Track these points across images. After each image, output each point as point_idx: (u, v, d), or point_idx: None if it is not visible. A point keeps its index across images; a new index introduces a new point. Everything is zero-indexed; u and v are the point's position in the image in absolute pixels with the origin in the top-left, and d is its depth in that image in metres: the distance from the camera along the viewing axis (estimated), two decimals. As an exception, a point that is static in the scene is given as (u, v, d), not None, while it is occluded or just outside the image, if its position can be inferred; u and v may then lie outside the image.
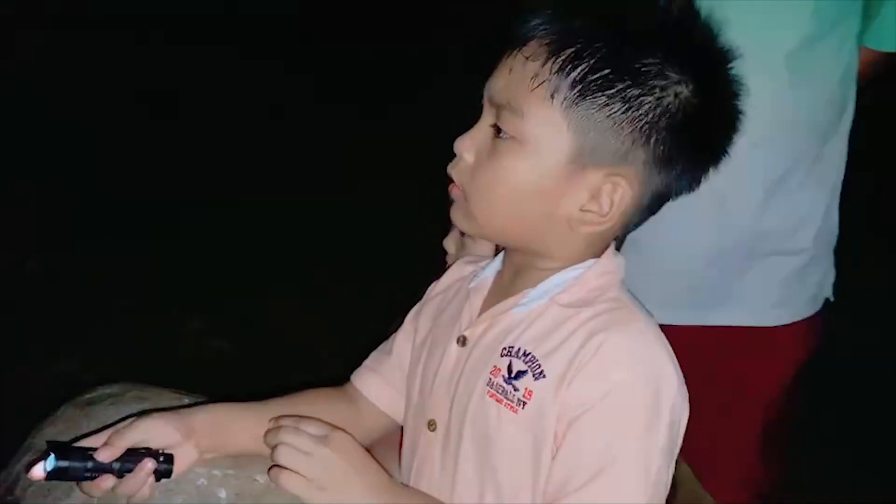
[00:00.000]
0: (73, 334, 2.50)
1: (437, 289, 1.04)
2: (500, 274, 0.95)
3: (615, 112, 0.79)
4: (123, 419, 0.87)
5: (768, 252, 1.33)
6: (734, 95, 0.85)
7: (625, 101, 0.79)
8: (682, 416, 0.83)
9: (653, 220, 0.91)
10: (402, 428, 1.03)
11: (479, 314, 0.92)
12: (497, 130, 0.83)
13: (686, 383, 0.84)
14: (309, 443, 0.81)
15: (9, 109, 3.79)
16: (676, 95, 0.80)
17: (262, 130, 3.88)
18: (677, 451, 0.83)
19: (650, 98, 0.79)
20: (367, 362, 1.06)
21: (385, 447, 1.19)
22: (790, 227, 1.33)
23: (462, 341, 0.91)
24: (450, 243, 1.30)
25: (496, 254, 0.99)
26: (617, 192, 0.82)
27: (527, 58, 0.80)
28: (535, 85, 0.79)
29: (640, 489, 0.78)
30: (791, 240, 1.33)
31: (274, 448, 0.82)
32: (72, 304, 2.67)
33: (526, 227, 0.86)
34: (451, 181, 0.87)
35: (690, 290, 1.36)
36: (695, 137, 0.83)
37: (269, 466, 0.83)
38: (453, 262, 1.08)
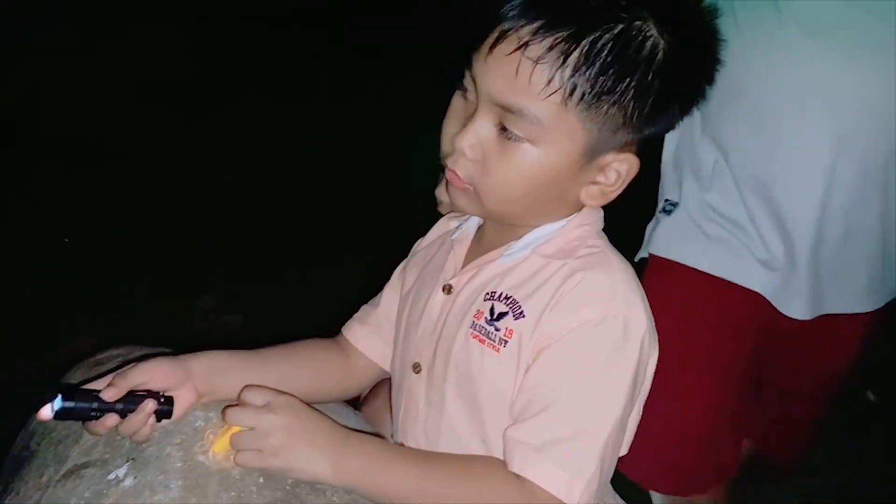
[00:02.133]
0: (88, 312, 2.57)
1: (422, 244, 1.09)
2: (481, 228, 0.99)
3: (627, 105, 0.81)
4: (126, 363, 0.92)
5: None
6: (711, 44, 0.87)
7: (636, 92, 0.80)
8: (650, 353, 0.87)
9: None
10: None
11: (464, 265, 0.96)
12: (505, 131, 0.82)
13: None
14: (251, 415, 0.82)
15: (35, 97, 3.86)
16: (666, 57, 0.80)
17: (275, 113, 3.91)
18: (643, 389, 0.87)
19: (657, 82, 0.80)
20: (356, 315, 1.10)
21: (381, 396, 1.24)
22: None
23: (448, 289, 0.95)
24: (442, 192, 1.35)
25: None
26: (624, 166, 0.86)
27: (535, 61, 0.78)
28: (551, 92, 0.79)
29: (600, 422, 0.81)
30: None
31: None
32: (87, 283, 2.74)
33: (536, 210, 0.89)
34: (450, 170, 0.87)
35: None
36: (685, 98, 0.86)
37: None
38: (445, 212, 1.12)
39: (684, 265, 1.39)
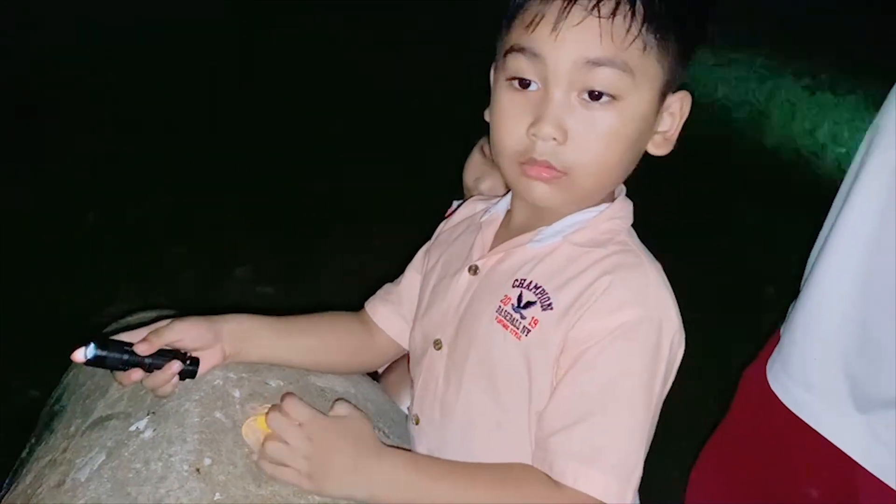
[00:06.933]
0: (128, 280, 2.65)
1: (448, 226, 1.09)
2: (509, 212, 0.98)
3: (687, 41, 0.84)
4: (161, 318, 0.94)
5: None
6: None
7: (694, 26, 0.84)
8: (678, 352, 0.86)
9: None
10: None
11: (491, 247, 0.96)
12: (591, 95, 0.82)
13: None
14: (288, 431, 0.82)
15: (70, 77, 3.95)
16: None
17: (313, 91, 3.94)
18: (671, 382, 0.87)
19: (700, 12, 0.84)
20: (378, 293, 1.11)
21: (398, 370, 1.26)
22: None
23: (474, 270, 0.95)
24: (469, 173, 1.36)
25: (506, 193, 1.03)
26: (684, 104, 0.89)
27: (611, 16, 0.79)
28: (632, 39, 0.80)
29: (640, 423, 0.81)
30: None
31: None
32: (127, 252, 2.82)
33: (622, 175, 0.89)
34: (537, 167, 0.85)
35: None
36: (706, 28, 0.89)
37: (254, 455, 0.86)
38: (470, 195, 1.12)
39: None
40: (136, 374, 0.88)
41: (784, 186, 3.35)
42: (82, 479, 0.86)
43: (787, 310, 1.09)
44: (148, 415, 0.90)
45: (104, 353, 0.86)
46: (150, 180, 3.23)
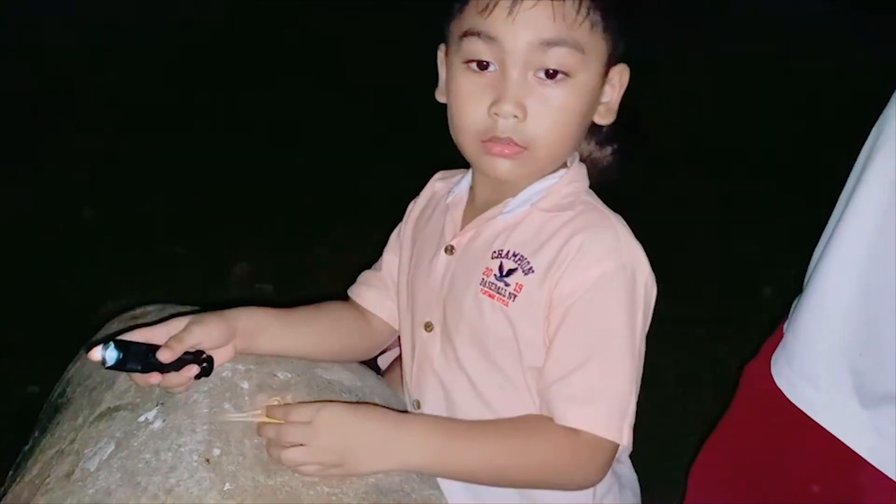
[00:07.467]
0: (126, 276, 2.65)
1: (416, 207, 1.11)
2: (472, 188, 1.02)
3: (627, 16, 0.90)
4: (177, 315, 0.95)
5: None
6: None
7: (633, 4, 0.91)
8: (652, 293, 0.93)
9: None
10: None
11: (462, 226, 1.00)
12: (546, 73, 0.87)
13: None
14: (302, 434, 0.84)
15: (67, 70, 3.95)
16: None
17: (312, 90, 3.95)
18: (649, 320, 0.93)
19: None
20: (360, 279, 1.14)
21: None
22: None
23: (450, 250, 0.99)
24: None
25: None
26: (624, 75, 0.95)
27: None
28: (582, 19, 0.86)
29: (628, 363, 0.89)
30: None
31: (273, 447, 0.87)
32: (126, 249, 2.82)
33: (574, 145, 0.96)
34: (500, 145, 0.90)
35: None
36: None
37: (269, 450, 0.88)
38: None
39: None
40: (155, 377, 0.89)
41: (783, 185, 3.37)
42: (92, 469, 0.87)
43: (789, 307, 1.10)
44: (157, 405, 0.91)
45: (124, 362, 0.85)
46: (148, 178, 3.23)
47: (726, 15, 5.37)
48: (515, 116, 0.87)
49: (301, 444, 0.84)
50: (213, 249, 2.87)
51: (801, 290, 1.07)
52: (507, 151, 0.90)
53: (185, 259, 2.82)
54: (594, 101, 0.93)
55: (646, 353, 0.94)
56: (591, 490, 0.94)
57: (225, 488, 0.82)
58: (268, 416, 0.89)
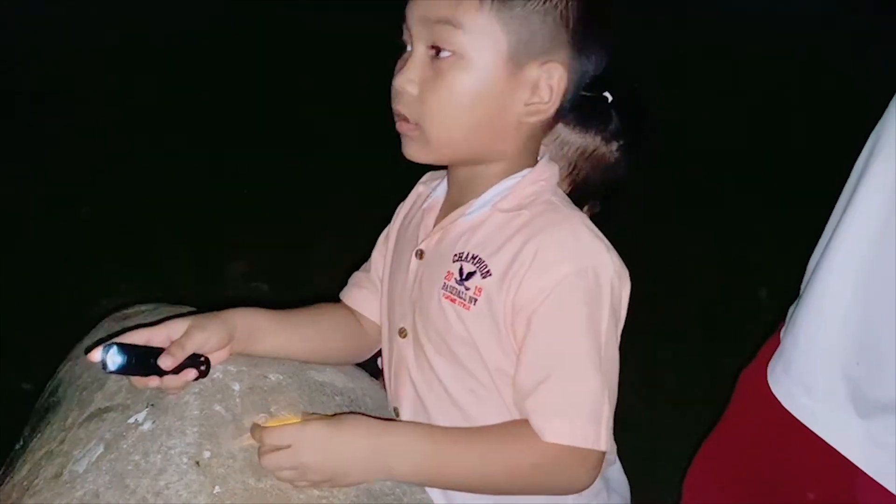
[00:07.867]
0: (122, 274, 2.64)
1: (402, 209, 1.11)
2: (447, 192, 1.01)
3: (538, 4, 0.86)
4: (177, 316, 0.94)
5: None
6: None
7: None
8: (622, 289, 0.90)
9: None
10: None
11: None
12: (436, 51, 0.87)
13: None
14: (286, 460, 0.84)
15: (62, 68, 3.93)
16: None
17: (313, 89, 3.94)
18: (622, 322, 0.91)
19: None
20: (351, 282, 1.13)
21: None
22: None
23: (420, 254, 0.98)
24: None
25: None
26: (554, 77, 0.89)
27: None
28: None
29: (593, 370, 0.86)
30: None
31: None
32: (122, 247, 2.81)
33: (479, 136, 0.91)
34: (399, 120, 0.92)
35: None
36: (603, 19, 0.91)
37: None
38: None
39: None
40: (154, 381, 0.88)
41: (781, 188, 3.37)
42: (80, 471, 0.86)
43: (786, 311, 1.10)
44: (147, 407, 0.90)
45: (127, 366, 0.85)
46: (145, 177, 3.22)
47: (726, 15, 5.36)
48: (411, 94, 0.88)
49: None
50: (209, 247, 2.86)
51: (798, 296, 1.07)
52: (403, 128, 0.91)
53: (180, 256, 2.80)
54: (502, 94, 0.88)
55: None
56: (576, 494, 0.93)
57: (214, 491, 0.81)
58: (252, 437, 0.87)
